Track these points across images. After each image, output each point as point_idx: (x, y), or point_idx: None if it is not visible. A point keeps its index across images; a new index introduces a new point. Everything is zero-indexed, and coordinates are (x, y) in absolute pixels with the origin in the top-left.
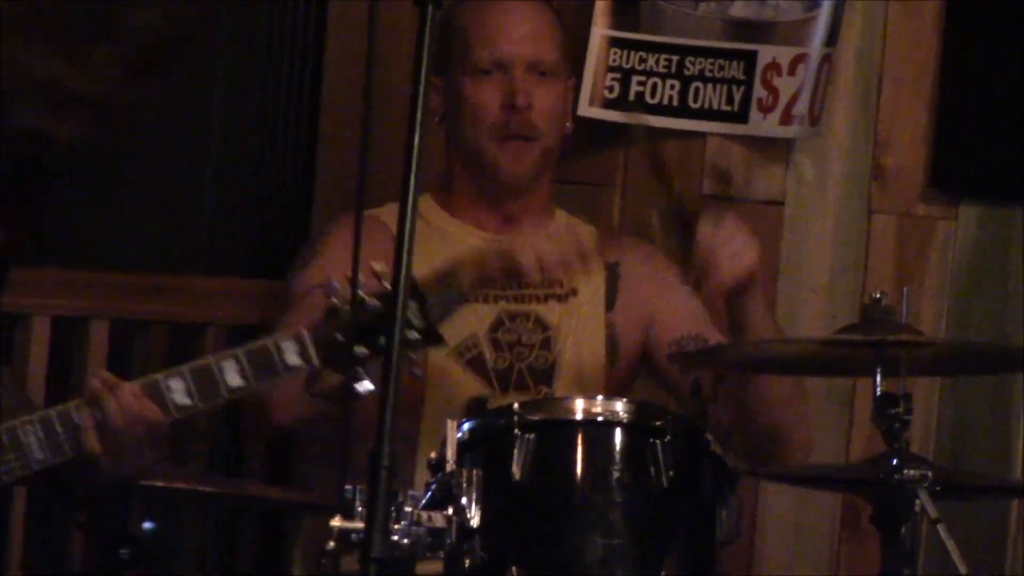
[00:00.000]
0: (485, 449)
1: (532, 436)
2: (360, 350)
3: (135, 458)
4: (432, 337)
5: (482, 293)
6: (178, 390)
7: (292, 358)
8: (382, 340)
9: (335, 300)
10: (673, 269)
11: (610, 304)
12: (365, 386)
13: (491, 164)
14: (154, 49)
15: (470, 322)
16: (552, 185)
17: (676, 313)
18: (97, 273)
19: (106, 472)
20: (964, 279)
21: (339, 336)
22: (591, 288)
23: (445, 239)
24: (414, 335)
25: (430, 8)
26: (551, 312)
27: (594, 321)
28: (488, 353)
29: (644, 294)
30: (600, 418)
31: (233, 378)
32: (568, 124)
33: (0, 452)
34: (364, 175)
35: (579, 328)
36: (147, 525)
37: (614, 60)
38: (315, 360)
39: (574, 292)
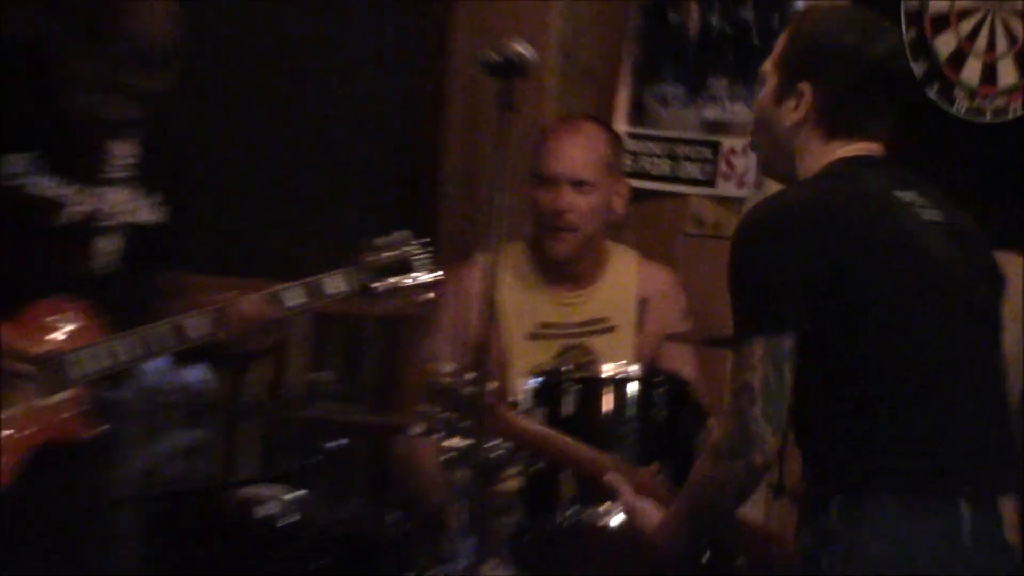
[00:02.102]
0: (547, 395)
1: (576, 388)
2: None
3: (257, 344)
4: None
5: (550, 332)
6: (290, 296)
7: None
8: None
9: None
10: (684, 298)
11: (639, 330)
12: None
13: (545, 244)
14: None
15: (537, 350)
16: (601, 249)
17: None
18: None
19: (236, 348)
20: None
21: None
22: (626, 322)
23: (525, 292)
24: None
25: (507, 114)
26: (595, 342)
27: (625, 345)
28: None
29: (664, 324)
30: (619, 375)
31: (335, 287)
32: (618, 210)
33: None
34: (490, 222)
35: (613, 353)
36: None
37: (629, 146)
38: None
39: (613, 328)
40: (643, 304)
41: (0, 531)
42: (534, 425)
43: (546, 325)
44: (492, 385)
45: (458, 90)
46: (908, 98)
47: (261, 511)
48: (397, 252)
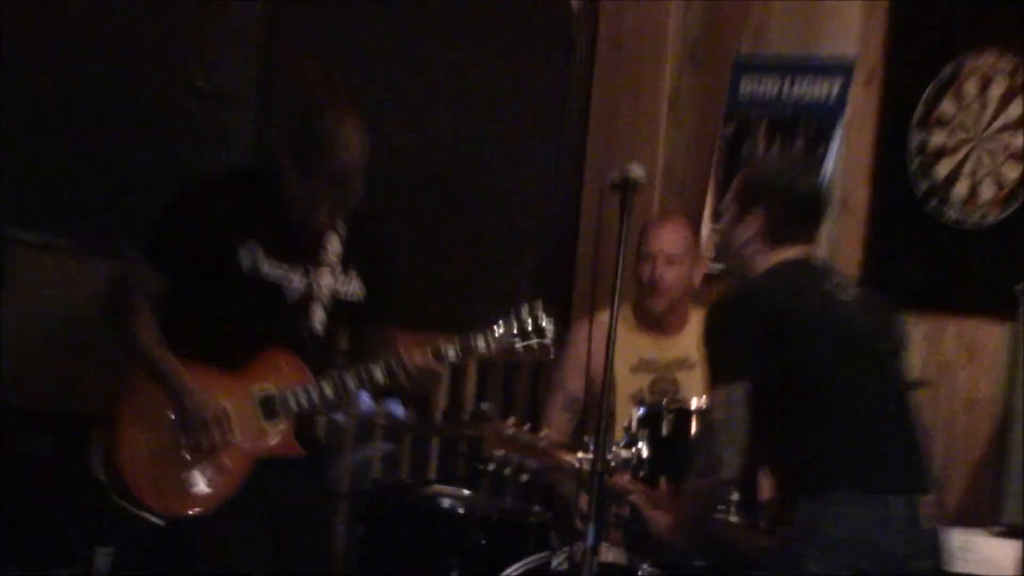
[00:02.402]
0: (650, 421)
1: (671, 416)
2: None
3: (426, 388)
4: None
5: (647, 366)
6: (450, 352)
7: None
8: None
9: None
10: None
11: None
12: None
13: (645, 301)
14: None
15: (638, 380)
16: (684, 309)
17: None
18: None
19: (413, 391)
20: None
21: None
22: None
23: (629, 337)
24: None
25: (630, 193)
26: (680, 375)
27: (701, 379)
28: (647, 397)
29: None
30: (704, 407)
31: (484, 344)
32: (697, 281)
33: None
34: (617, 280)
35: (692, 384)
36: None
37: (712, 240)
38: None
39: (693, 366)
40: None
41: (230, 523)
42: (559, 453)
43: (644, 361)
44: (543, 434)
45: (590, 197)
46: (825, 217)
47: (444, 503)
48: (532, 318)
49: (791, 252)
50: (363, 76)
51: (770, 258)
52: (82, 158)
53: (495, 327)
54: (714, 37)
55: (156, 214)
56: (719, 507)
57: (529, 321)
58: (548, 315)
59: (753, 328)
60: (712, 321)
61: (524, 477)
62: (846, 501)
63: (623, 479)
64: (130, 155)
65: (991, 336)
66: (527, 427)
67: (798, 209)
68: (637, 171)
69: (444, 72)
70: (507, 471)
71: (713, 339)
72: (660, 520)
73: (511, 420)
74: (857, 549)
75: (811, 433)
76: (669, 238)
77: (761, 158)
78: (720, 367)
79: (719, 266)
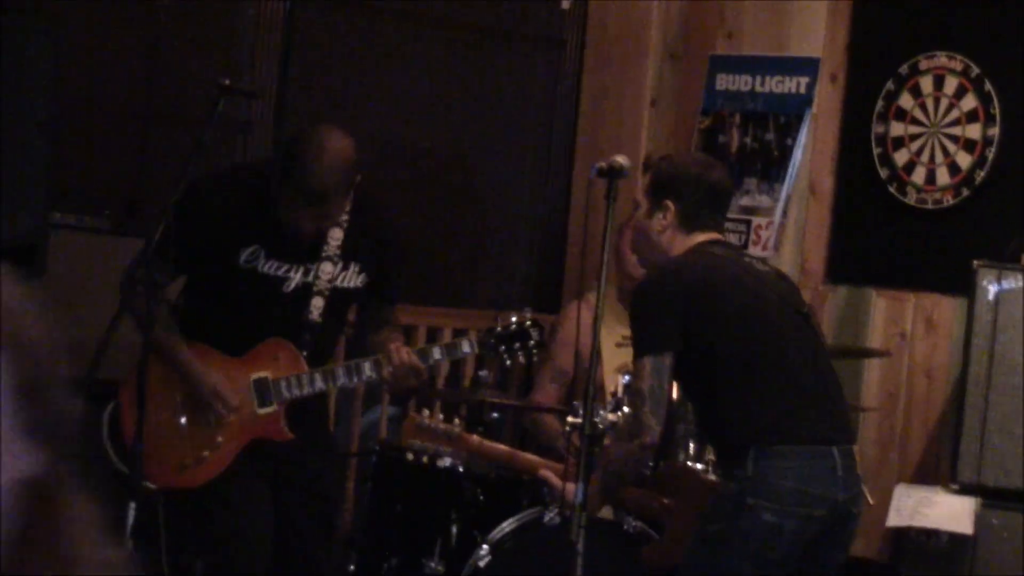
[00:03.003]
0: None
1: None
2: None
3: (409, 384)
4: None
5: (628, 340)
6: (435, 353)
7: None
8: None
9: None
10: None
11: None
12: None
13: (629, 282)
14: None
15: (622, 354)
16: None
17: None
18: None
19: (394, 388)
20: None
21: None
22: None
23: (612, 315)
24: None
25: (615, 182)
26: None
27: None
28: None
29: None
30: None
31: (467, 348)
32: None
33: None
34: (603, 266)
35: None
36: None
37: None
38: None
39: None
40: None
41: (234, 487)
42: (491, 444)
43: (626, 337)
44: (456, 423)
45: (579, 185)
46: (729, 205)
47: (444, 462)
48: (517, 326)
49: (704, 236)
50: (371, 74)
51: (685, 243)
52: (117, 146)
53: (481, 333)
54: (692, 38)
55: (164, 210)
56: (639, 470)
57: (514, 328)
58: (534, 325)
59: (676, 301)
60: (637, 298)
61: (443, 463)
62: (792, 454)
63: (531, 457)
64: (160, 144)
65: (948, 310)
66: (440, 418)
67: (705, 198)
68: (623, 160)
69: (443, 71)
70: (424, 458)
71: (639, 314)
72: (572, 490)
73: (426, 412)
74: (806, 496)
75: (751, 392)
76: None
77: (665, 155)
78: (646, 339)
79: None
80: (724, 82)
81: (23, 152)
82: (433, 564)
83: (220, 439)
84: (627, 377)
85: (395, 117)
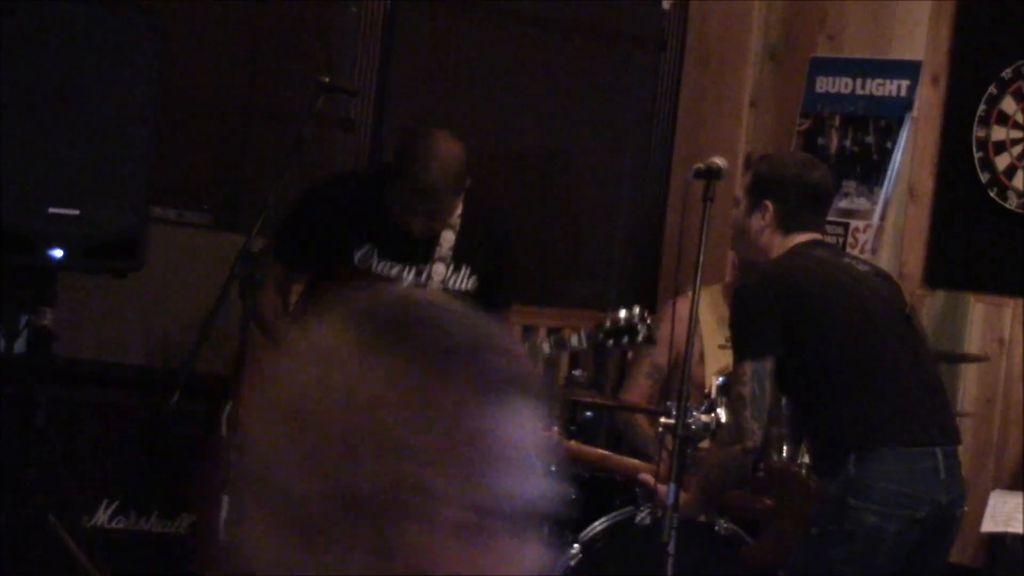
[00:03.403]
0: (727, 390)
1: None
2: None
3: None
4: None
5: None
6: (544, 347)
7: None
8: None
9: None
10: None
11: None
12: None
13: None
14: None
15: (726, 356)
16: None
17: None
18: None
19: None
20: None
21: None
22: None
23: (720, 316)
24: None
25: (713, 183)
26: None
27: None
28: None
29: None
30: None
31: (576, 343)
32: None
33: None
34: (699, 267)
35: None
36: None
37: None
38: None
39: None
40: None
41: None
42: (589, 448)
43: (730, 338)
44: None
45: (677, 186)
46: (830, 206)
47: None
48: (626, 321)
49: (804, 237)
50: (470, 74)
51: (784, 243)
52: (218, 142)
53: (590, 327)
54: (792, 39)
55: (283, 213)
56: (741, 475)
57: (623, 324)
58: (642, 320)
59: (776, 304)
60: (737, 302)
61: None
62: (894, 456)
63: (629, 461)
64: (260, 140)
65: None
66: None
67: (805, 199)
68: (721, 162)
69: (542, 71)
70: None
71: (740, 318)
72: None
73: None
74: (909, 499)
75: (853, 394)
76: None
77: (766, 155)
78: (748, 344)
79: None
80: (824, 84)
81: (125, 146)
82: None
83: None
84: (721, 379)
85: (494, 117)
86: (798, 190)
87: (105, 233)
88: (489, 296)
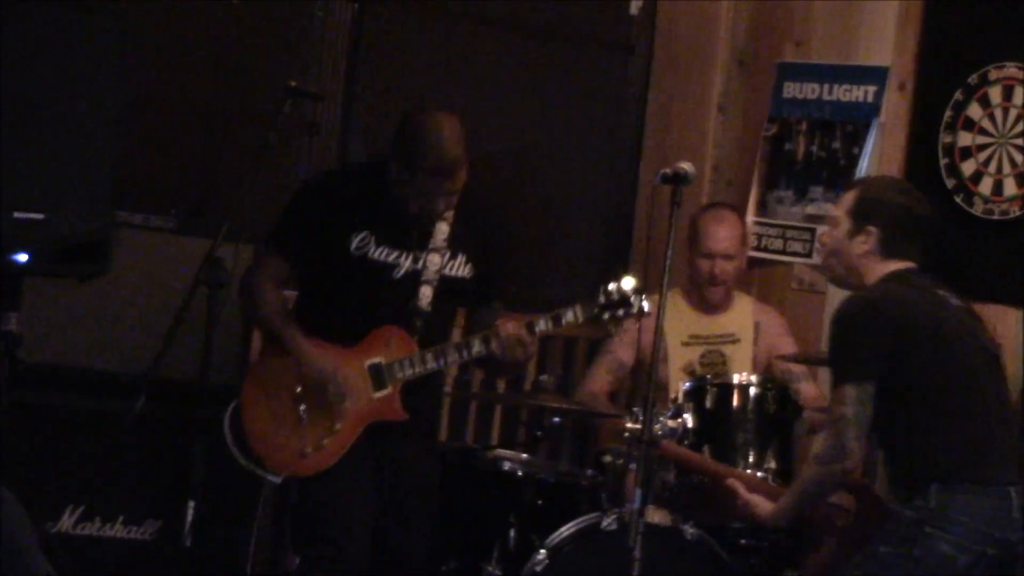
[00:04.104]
0: (695, 394)
1: (715, 390)
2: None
3: (517, 356)
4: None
5: (696, 341)
6: (540, 323)
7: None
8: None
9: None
10: (784, 324)
11: (756, 343)
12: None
13: (704, 291)
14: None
15: (688, 353)
16: (733, 286)
17: (784, 349)
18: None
19: (503, 361)
20: None
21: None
22: (746, 337)
23: (680, 315)
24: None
25: (675, 208)
26: (726, 349)
27: (746, 352)
28: (697, 368)
29: (770, 340)
30: (744, 382)
31: (570, 318)
32: (744, 265)
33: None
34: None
35: (737, 357)
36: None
37: (755, 230)
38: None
39: (737, 340)
40: (757, 326)
41: (339, 478)
42: (684, 450)
43: (693, 336)
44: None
45: (645, 190)
46: (933, 237)
47: (506, 465)
48: (619, 293)
49: (902, 264)
50: (437, 77)
51: (881, 269)
52: (184, 147)
53: (585, 301)
54: (760, 45)
55: (281, 208)
56: (836, 491)
57: (617, 297)
58: (637, 292)
59: (880, 330)
60: (841, 326)
61: (504, 467)
62: (976, 492)
63: (720, 466)
64: (227, 144)
65: (1013, 321)
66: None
67: (914, 229)
68: (687, 167)
69: (510, 74)
70: (619, 461)
71: (842, 341)
72: (760, 503)
73: (627, 417)
74: (983, 534)
75: (942, 427)
76: (726, 236)
77: (868, 178)
78: (850, 366)
79: (768, 255)
80: (792, 90)
81: (90, 150)
82: (491, 568)
83: (338, 426)
84: (688, 383)
85: (461, 120)
86: (904, 219)
87: (70, 237)
88: (484, 286)
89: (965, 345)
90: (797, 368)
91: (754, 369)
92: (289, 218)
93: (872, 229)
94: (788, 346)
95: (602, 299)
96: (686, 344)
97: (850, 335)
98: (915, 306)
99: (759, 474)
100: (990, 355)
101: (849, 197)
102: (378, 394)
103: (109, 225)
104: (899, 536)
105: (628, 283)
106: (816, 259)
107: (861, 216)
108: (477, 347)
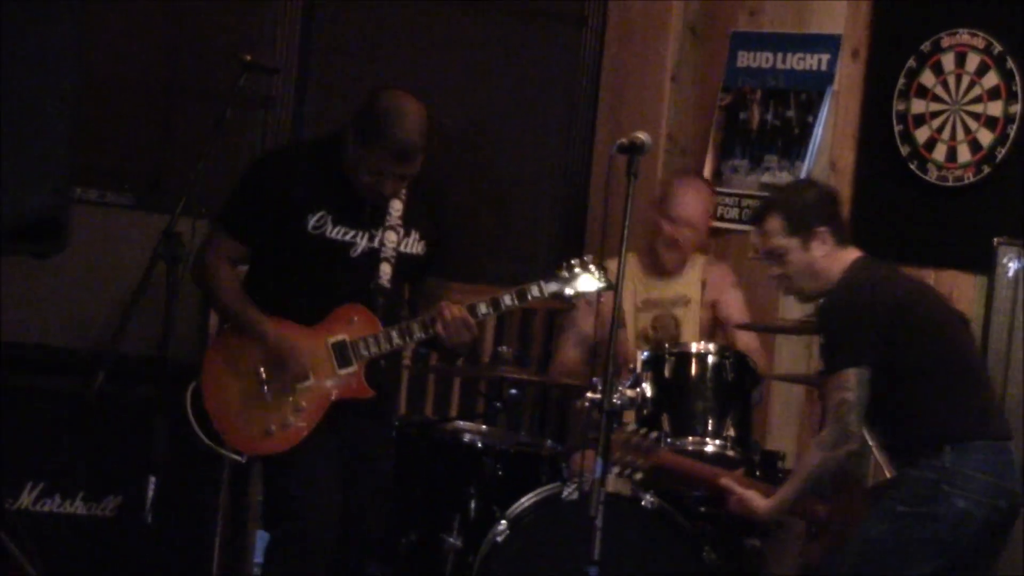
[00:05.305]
0: (653, 363)
1: (672, 359)
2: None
3: (462, 339)
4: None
5: (650, 305)
6: (482, 308)
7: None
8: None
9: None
10: (730, 278)
11: (702, 300)
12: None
13: (661, 256)
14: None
15: (643, 318)
16: (690, 255)
17: (729, 302)
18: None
19: (448, 344)
20: None
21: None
22: (696, 297)
23: (634, 279)
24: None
25: (636, 157)
26: (678, 312)
27: (695, 313)
28: (650, 332)
29: (715, 293)
30: (702, 351)
31: (507, 303)
32: (705, 234)
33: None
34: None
35: (688, 318)
36: (515, 393)
37: None
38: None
39: (688, 302)
40: (704, 284)
41: (306, 456)
42: (678, 457)
43: (648, 301)
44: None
45: (601, 160)
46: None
47: (465, 437)
48: (581, 267)
49: (854, 253)
50: (391, 51)
51: (843, 258)
52: (140, 122)
53: (546, 276)
54: (713, 14)
55: (232, 186)
56: (839, 476)
57: (579, 268)
58: (600, 266)
59: (874, 314)
60: (833, 315)
61: (464, 438)
62: (985, 448)
63: (710, 468)
64: (183, 119)
65: (968, 287)
66: (643, 432)
67: (839, 207)
68: (644, 136)
69: (464, 47)
70: (626, 472)
71: (838, 329)
72: (755, 498)
73: (629, 427)
74: (995, 487)
75: (946, 392)
76: (694, 206)
77: (770, 198)
78: (849, 352)
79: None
80: (745, 59)
81: (45, 126)
82: (452, 539)
83: (304, 403)
84: (646, 353)
85: (415, 94)
86: (831, 203)
87: (26, 214)
88: (433, 267)
89: (945, 316)
90: (736, 312)
91: (701, 327)
92: (241, 197)
93: (820, 229)
94: (733, 300)
95: (565, 274)
96: (640, 310)
97: (844, 323)
98: (895, 286)
99: (718, 442)
100: (964, 322)
101: (775, 223)
102: (343, 371)
103: (66, 202)
104: (918, 496)
105: (586, 259)
106: (781, 292)
107: (802, 227)
108: (417, 332)
